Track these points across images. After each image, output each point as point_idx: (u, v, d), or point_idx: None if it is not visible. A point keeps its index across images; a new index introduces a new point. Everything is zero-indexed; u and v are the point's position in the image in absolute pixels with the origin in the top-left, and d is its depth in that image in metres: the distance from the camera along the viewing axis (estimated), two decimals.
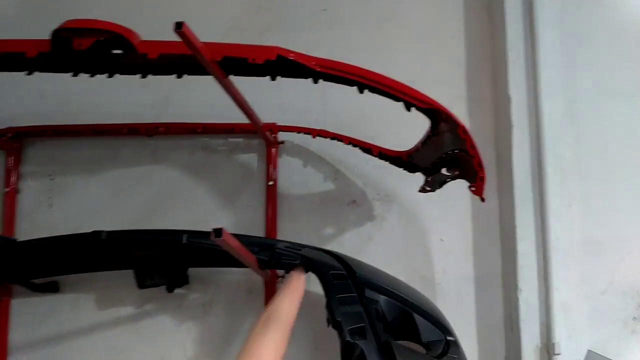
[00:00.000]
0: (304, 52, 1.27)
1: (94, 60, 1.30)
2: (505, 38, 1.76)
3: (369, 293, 1.38)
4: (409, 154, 1.57)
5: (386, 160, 1.67)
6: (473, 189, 1.29)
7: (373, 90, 1.32)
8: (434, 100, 1.24)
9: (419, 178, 1.65)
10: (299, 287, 1.30)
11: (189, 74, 1.42)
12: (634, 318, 1.65)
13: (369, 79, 1.29)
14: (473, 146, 1.20)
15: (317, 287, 1.34)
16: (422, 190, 1.62)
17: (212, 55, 1.20)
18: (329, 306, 1.28)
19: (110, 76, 1.42)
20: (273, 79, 1.39)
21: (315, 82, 1.36)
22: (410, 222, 1.82)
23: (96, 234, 1.50)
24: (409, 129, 1.82)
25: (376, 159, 1.76)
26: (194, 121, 1.80)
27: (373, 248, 1.79)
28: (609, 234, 1.68)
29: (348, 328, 1.25)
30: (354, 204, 1.84)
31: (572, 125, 1.73)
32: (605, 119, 1.74)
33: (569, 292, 1.64)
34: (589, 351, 1.62)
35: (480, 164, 1.23)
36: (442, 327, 1.43)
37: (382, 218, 1.82)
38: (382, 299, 1.41)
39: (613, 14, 1.78)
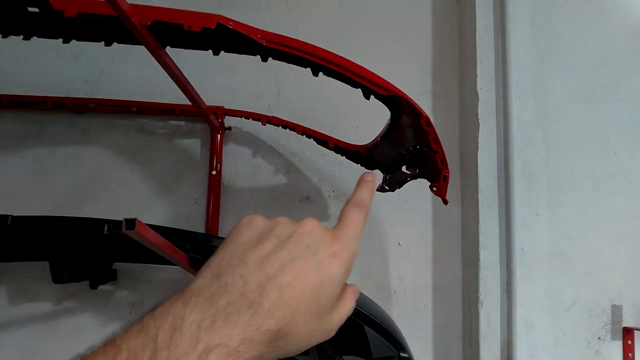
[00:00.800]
0: None
1: (6, 19, 1.10)
2: (475, 32, 1.63)
3: None
4: (367, 148, 1.42)
5: (342, 155, 1.51)
6: (435, 189, 1.13)
7: (328, 72, 1.16)
8: (395, 88, 1.09)
9: (379, 175, 1.50)
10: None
11: (119, 42, 1.23)
12: (599, 338, 1.54)
13: (324, 59, 1.13)
14: (436, 140, 1.05)
15: None
16: (381, 189, 1.46)
17: (141, 18, 1.01)
18: None
19: (26, 38, 1.21)
20: (216, 53, 1.21)
21: (264, 59, 1.19)
22: (367, 223, 1.65)
23: (1, 218, 1.29)
24: (370, 122, 1.69)
25: (333, 153, 1.61)
26: (132, 99, 1.61)
27: None
28: (575, 246, 1.57)
29: None
30: (307, 200, 1.67)
31: (541, 129, 1.61)
32: (574, 125, 1.63)
33: (533, 307, 1.52)
34: None
35: (443, 161, 1.08)
36: (396, 342, 1.27)
37: (337, 218, 1.65)
38: None
39: (584, 15, 1.68)
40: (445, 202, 1.14)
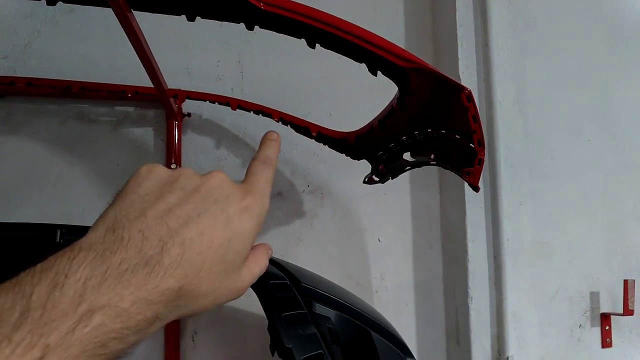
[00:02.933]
0: None
1: None
2: (454, 11, 1.55)
3: (319, 308, 1.06)
4: (358, 135, 1.28)
5: (326, 144, 1.36)
6: (468, 175, 1.02)
7: (330, 42, 0.97)
8: (419, 58, 0.95)
9: (357, 167, 1.37)
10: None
11: (72, 2, 0.98)
12: (580, 326, 1.53)
13: (329, 24, 0.92)
14: (476, 117, 0.93)
15: (252, 305, 0.98)
16: (369, 181, 1.33)
17: None
18: (273, 328, 0.94)
19: None
20: (191, 18, 0.99)
21: (250, 27, 0.98)
22: (345, 219, 1.52)
23: None
24: (346, 108, 1.57)
25: (306, 142, 1.45)
26: (67, 79, 1.33)
27: (302, 250, 1.47)
28: (557, 235, 1.55)
29: (302, 357, 0.92)
30: (279, 196, 1.49)
31: (522, 116, 1.57)
32: (551, 112, 1.61)
33: (520, 299, 1.48)
34: None
35: (480, 142, 0.97)
36: (402, 347, 1.16)
37: (313, 214, 1.51)
38: (332, 314, 1.09)
39: (560, 0, 1.67)
40: (477, 189, 1.03)
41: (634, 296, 1.52)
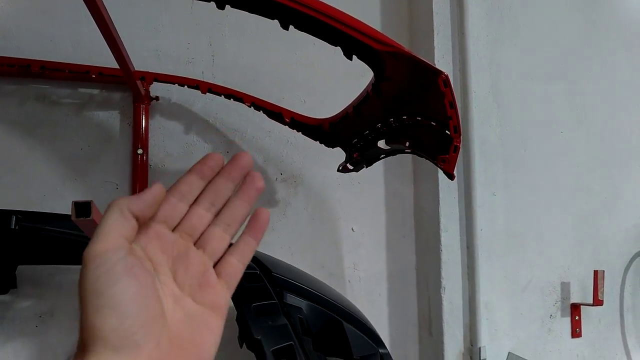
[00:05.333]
0: None
1: None
2: None
3: (291, 298, 1.03)
4: (333, 122, 1.24)
5: (300, 130, 1.33)
6: (443, 162, 1.00)
7: (305, 23, 0.93)
8: (396, 42, 0.92)
9: (331, 155, 1.34)
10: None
11: None
12: (551, 316, 1.54)
13: (305, 5, 0.90)
14: (452, 103, 0.91)
15: None
16: (344, 169, 1.30)
17: None
18: (242, 319, 0.90)
19: None
20: None
21: (221, 7, 0.93)
22: (318, 208, 1.49)
23: None
24: (320, 95, 1.53)
25: (279, 129, 1.42)
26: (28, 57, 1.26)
27: (275, 239, 1.43)
28: (529, 226, 1.55)
29: (272, 349, 0.89)
30: None
31: (496, 106, 1.57)
32: (525, 103, 1.61)
33: (492, 289, 1.48)
34: (510, 354, 1.47)
35: (457, 129, 0.95)
36: (374, 337, 1.14)
37: (286, 203, 1.47)
38: (304, 304, 1.06)
39: None
40: (452, 177, 1.01)
41: (603, 286, 1.54)
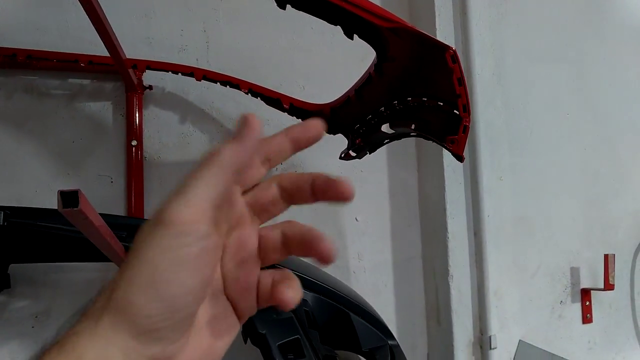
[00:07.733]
0: None
1: None
2: None
3: None
4: (334, 107, 1.20)
5: (299, 117, 1.28)
6: (452, 143, 0.95)
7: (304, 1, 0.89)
8: (400, 19, 0.88)
9: (333, 142, 1.29)
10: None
11: None
12: (561, 302, 1.51)
13: None
14: (461, 80, 0.87)
15: None
16: (346, 157, 1.25)
17: None
18: None
19: None
20: None
21: None
22: None
23: None
24: (319, 81, 1.48)
25: (278, 117, 1.36)
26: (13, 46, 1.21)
27: None
28: (537, 211, 1.51)
29: (277, 343, 0.85)
30: None
31: (500, 89, 1.52)
32: (530, 85, 1.57)
33: (502, 276, 1.44)
34: (521, 341, 1.43)
35: (466, 107, 0.90)
36: (383, 328, 1.10)
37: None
38: (310, 297, 1.02)
39: None
40: (461, 159, 0.96)
41: (614, 270, 1.50)
